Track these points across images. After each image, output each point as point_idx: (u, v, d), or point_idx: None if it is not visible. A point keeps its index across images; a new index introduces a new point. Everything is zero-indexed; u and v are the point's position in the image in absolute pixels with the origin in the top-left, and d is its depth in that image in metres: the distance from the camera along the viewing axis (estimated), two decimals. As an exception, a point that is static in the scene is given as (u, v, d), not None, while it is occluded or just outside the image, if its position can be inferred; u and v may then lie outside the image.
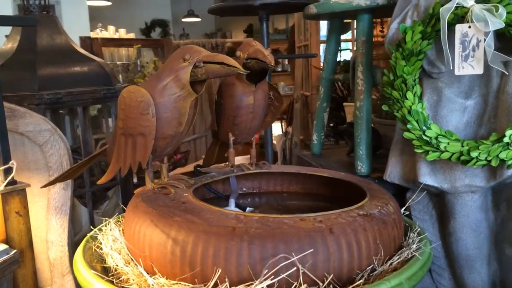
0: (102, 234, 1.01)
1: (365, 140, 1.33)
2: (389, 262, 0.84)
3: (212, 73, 0.97)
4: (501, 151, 0.91)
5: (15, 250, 0.93)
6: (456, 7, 0.91)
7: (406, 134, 1.01)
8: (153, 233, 0.83)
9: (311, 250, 0.76)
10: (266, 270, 0.73)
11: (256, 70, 1.08)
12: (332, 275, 0.77)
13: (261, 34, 1.57)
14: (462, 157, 0.95)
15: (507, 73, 0.94)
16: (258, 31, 7.95)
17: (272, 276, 0.73)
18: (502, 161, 0.92)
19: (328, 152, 1.72)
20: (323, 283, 0.76)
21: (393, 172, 1.18)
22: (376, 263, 0.82)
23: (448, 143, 0.97)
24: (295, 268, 0.75)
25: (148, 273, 0.83)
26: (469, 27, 0.91)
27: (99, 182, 1.07)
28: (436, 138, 0.98)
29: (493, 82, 1.01)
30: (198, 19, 9.73)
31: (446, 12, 0.91)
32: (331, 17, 1.48)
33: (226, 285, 0.74)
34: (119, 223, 1.08)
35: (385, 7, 1.29)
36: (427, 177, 1.08)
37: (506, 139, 0.90)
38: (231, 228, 0.79)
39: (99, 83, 1.45)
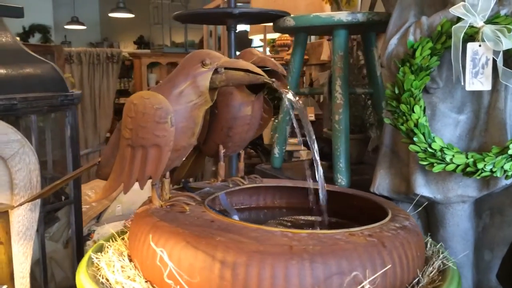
0: (101, 259, 0.87)
1: (344, 152, 1.34)
2: (426, 273, 0.85)
3: (234, 80, 0.90)
4: (505, 163, 0.98)
5: (5, 286, 0.76)
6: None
7: (412, 147, 1.04)
8: (192, 256, 0.74)
9: (372, 265, 0.74)
10: (349, 285, 0.69)
11: (261, 79, 1.03)
12: (392, 290, 0.75)
13: (228, 44, 1.52)
14: (468, 169, 1.00)
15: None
16: (153, 43, 7.67)
17: (347, 296, 0.69)
18: (504, 171, 0.99)
19: (287, 165, 1.71)
20: (384, 299, 0.74)
21: (382, 184, 1.21)
22: (420, 275, 0.82)
23: (453, 156, 1.01)
24: (362, 285, 0.72)
25: (187, 302, 0.73)
26: (480, 45, 0.97)
27: (93, 200, 0.93)
28: (441, 150, 1.02)
29: (484, 98, 1.08)
30: (83, 27, 9.24)
31: (459, 31, 0.96)
32: (306, 31, 1.48)
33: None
34: (109, 245, 0.95)
35: (364, 24, 1.33)
36: (423, 189, 1.11)
37: (510, 151, 0.97)
38: (288, 247, 0.73)
39: (55, 89, 1.28)
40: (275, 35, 4.17)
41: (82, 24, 9.18)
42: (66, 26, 9.17)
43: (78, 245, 1.37)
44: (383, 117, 1.13)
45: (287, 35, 3.86)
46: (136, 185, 2.50)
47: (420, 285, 0.81)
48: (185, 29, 6.87)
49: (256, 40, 4.89)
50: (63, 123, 1.39)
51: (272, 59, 1.03)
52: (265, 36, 4.06)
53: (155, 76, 6.82)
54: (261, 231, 0.78)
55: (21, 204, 0.95)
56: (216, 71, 0.89)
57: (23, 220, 1.02)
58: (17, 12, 0.99)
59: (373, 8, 2.11)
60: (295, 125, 0.95)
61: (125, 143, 0.88)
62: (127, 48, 9.49)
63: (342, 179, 1.34)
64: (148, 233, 0.82)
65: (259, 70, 0.89)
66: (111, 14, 7.88)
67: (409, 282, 0.80)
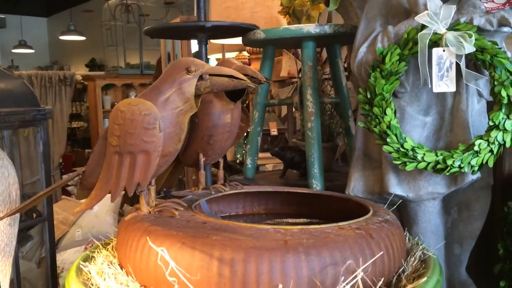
0: (90, 268, 0.86)
1: (317, 158, 1.39)
2: (409, 263, 0.89)
3: (218, 86, 0.93)
4: (471, 158, 1.05)
5: (-4, 298, 0.74)
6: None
7: (385, 148, 1.10)
8: (189, 256, 0.75)
9: (362, 255, 0.77)
10: (343, 277, 0.72)
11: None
12: (382, 278, 0.79)
13: (199, 58, 1.54)
14: (439, 166, 1.07)
15: (481, 89, 1.11)
16: (106, 66, 7.56)
17: (344, 284, 0.72)
18: (471, 167, 1.06)
19: (259, 176, 1.74)
20: (375, 286, 0.78)
21: (356, 186, 1.26)
22: (405, 264, 0.87)
23: (424, 154, 1.08)
24: (355, 274, 0.75)
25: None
26: (444, 50, 1.04)
27: (77, 210, 0.92)
28: (412, 149, 1.09)
29: (448, 101, 1.16)
30: (31, 51, 9.04)
31: (424, 37, 1.03)
32: (274, 44, 1.53)
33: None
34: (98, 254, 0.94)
35: (330, 36, 1.40)
36: (396, 188, 1.17)
37: (475, 148, 1.05)
38: (282, 241, 0.76)
39: (26, 104, 1.26)
40: (233, 55, 4.23)
41: (30, 47, 8.98)
42: (13, 50, 8.93)
43: (52, 263, 1.34)
44: (359, 122, 1.19)
45: (245, 53, 3.93)
46: (95, 209, 2.46)
47: (405, 273, 0.85)
48: (140, 50, 6.84)
49: (213, 59, 4.95)
50: (30, 139, 1.37)
51: (252, 67, 1.06)
52: (223, 55, 4.11)
53: (110, 98, 6.72)
54: (254, 229, 0.81)
55: (3, 217, 0.93)
56: (201, 78, 0.92)
57: (2, 235, 0.99)
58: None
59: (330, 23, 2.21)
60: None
61: (112, 150, 0.88)
62: (79, 71, 9.33)
63: (317, 184, 1.38)
64: (141, 238, 0.82)
65: (242, 76, 0.92)
66: (61, 37, 7.75)
67: (395, 271, 0.84)
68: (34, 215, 1.36)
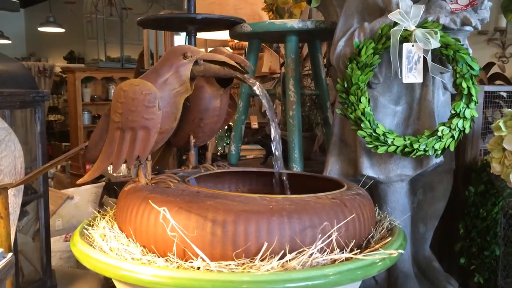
0: (93, 232, 0.96)
1: (297, 144, 1.50)
2: (378, 231, 1.01)
3: (211, 72, 1.03)
4: (435, 143, 1.18)
5: (11, 253, 0.82)
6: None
7: (360, 133, 1.22)
8: (185, 218, 0.85)
9: (337, 220, 0.89)
10: (320, 235, 0.83)
11: (231, 74, 1.16)
12: (354, 240, 0.90)
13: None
14: (406, 149, 1.19)
15: (444, 81, 1.23)
16: (85, 59, 7.49)
17: (320, 242, 0.84)
18: (434, 150, 1.19)
19: (243, 162, 1.84)
20: (347, 247, 0.89)
21: (333, 169, 1.38)
22: (374, 231, 0.98)
23: (394, 139, 1.20)
24: (329, 233, 0.86)
25: (182, 260, 0.84)
26: (412, 45, 1.16)
27: (80, 181, 1.01)
28: (383, 134, 1.21)
29: (416, 92, 1.29)
30: (8, 42, 8.92)
31: (396, 33, 1.15)
32: (260, 37, 1.64)
33: (284, 253, 0.82)
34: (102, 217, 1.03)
35: (312, 31, 1.51)
36: (368, 170, 1.29)
37: (439, 133, 1.17)
38: (268, 207, 0.86)
39: (26, 86, 1.33)
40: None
41: (7, 38, 8.86)
42: (-11, 41, 8.78)
43: (46, 238, 1.41)
44: (337, 109, 1.30)
45: (228, 49, 4.03)
46: (76, 199, 2.53)
47: (374, 239, 0.97)
48: (121, 44, 6.86)
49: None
50: (26, 120, 1.44)
51: (240, 56, 1.17)
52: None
53: (90, 91, 6.72)
54: (243, 197, 0.91)
55: (18, 184, 1.01)
56: (196, 63, 1.01)
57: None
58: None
59: (312, 21, 2.32)
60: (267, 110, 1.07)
61: (114, 126, 0.98)
62: (57, 63, 9.24)
63: (296, 168, 1.50)
64: (141, 204, 0.92)
65: (233, 62, 1.03)
66: (40, 29, 7.67)
67: (365, 237, 0.96)
68: (29, 192, 1.43)
